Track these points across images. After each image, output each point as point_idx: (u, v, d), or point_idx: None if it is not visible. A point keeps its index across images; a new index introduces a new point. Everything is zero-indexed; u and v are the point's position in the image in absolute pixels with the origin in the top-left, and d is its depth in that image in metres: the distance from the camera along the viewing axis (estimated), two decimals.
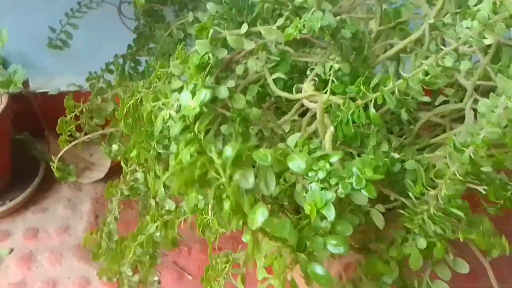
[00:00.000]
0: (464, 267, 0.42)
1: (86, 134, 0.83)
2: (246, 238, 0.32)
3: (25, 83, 1.02)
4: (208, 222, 0.48)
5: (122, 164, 0.62)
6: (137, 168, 0.56)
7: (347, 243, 0.33)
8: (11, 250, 0.91)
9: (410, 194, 0.38)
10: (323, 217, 0.33)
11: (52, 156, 1.02)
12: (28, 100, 1.03)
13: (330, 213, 0.28)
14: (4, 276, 0.86)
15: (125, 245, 0.57)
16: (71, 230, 0.95)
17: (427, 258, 0.44)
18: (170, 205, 0.52)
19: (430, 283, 0.42)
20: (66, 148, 0.77)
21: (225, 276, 0.49)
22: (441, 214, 0.36)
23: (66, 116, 0.75)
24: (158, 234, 0.51)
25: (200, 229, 0.49)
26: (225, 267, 0.50)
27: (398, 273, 0.43)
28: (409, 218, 0.38)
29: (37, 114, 1.06)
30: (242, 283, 0.45)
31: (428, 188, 0.36)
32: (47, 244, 0.92)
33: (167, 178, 0.37)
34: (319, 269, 0.32)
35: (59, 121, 0.74)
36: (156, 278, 0.75)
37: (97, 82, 0.75)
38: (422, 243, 0.42)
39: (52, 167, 1.01)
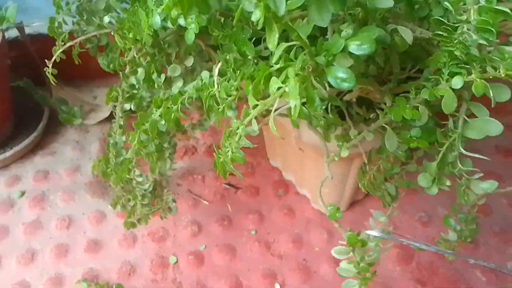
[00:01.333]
0: (504, 94, 0.36)
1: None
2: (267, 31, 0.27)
3: (21, 29, 0.98)
4: (214, 94, 0.43)
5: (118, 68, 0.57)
6: (136, 60, 0.52)
7: (373, 43, 0.28)
8: (23, 193, 0.89)
9: (447, 6, 0.32)
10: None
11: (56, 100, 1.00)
12: (25, 46, 0.99)
13: None
14: (17, 217, 0.85)
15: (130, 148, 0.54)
16: (82, 170, 0.93)
17: (461, 99, 0.39)
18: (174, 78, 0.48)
19: (467, 119, 0.37)
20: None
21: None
22: (482, 19, 0.30)
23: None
24: (162, 122, 0.47)
25: (206, 108, 0.44)
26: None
27: (427, 117, 0.38)
28: (447, 36, 0.33)
29: (35, 59, 1.02)
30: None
31: None
32: (58, 184, 0.90)
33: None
34: (341, 72, 0.27)
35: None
36: (171, 197, 0.72)
37: None
38: (458, 82, 0.37)
39: (57, 110, 0.99)
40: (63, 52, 0.61)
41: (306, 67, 0.27)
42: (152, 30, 0.45)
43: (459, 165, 0.41)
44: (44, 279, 0.76)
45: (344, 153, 0.55)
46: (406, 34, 0.33)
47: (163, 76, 0.51)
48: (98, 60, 0.63)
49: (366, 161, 0.57)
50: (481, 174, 0.42)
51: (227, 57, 0.38)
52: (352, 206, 0.84)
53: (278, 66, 0.29)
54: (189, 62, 0.50)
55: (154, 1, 0.38)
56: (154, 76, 0.54)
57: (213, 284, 0.75)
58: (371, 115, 0.51)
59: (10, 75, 0.98)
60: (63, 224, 0.84)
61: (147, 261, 0.78)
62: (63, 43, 0.57)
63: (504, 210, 0.83)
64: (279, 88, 0.28)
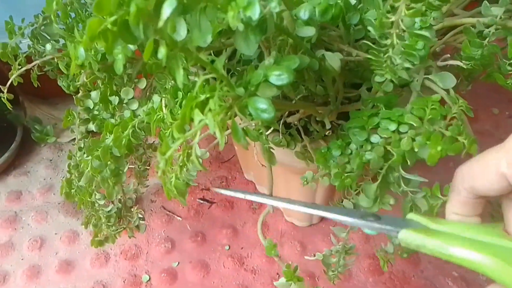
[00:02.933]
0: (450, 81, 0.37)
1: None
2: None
3: None
4: (163, 118, 0.43)
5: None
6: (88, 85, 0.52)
7: (292, 73, 0.28)
8: None
9: (371, 31, 0.33)
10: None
11: (29, 119, 0.99)
12: None
13: (255, 11, 0.23)
14: None
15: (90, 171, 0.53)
16: (55, 189, 0.92)
17: None
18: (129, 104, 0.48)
19: None
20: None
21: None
22: (405, 43, 0.31)
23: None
24: (111, 143, 0.47)
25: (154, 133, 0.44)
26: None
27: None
28: (376, 59, 0.33)
29: (8, 78, 1.02)
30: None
31: (387, 16, 0.31)
32: (31, 204, 0.90)
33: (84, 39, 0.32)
34: (261, 103, 0.28)
35: None
36: (140, 216, 0.72)
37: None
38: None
39: (31, 129, 0.98)
40: (37, 71, 0.61)
41: (226, 98, 0.27)
42: (99, 55, 0.45)
43: (403, 185, 0.41)
44: None
45: (325, 182, 0.54)
46: (333, 60, 0.34)
47: (116, 99, 0.51)
48: (58, 82, 0.63)
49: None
50: (424, 193, 0.42)
51: (165, 85, 0.38)
52: (325, 219, 0.84)
53: (203, 97, 0.29)
54: (142, 84, 0.50)
55: (80, 32, 0.38)
56: (112, 98, 0.54)
57: None
58: (327, 132, 0.52)
59: None
60: (35, 245, 0.83)
61: (120, 280, 0.77)
62: (19, 67, 0.57)
63: None
64: (200, 121, 0.28)
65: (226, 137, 0.99)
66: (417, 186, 0.42)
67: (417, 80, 0.37)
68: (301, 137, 0.57)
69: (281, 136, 0.50)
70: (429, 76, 0.37)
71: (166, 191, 0.42)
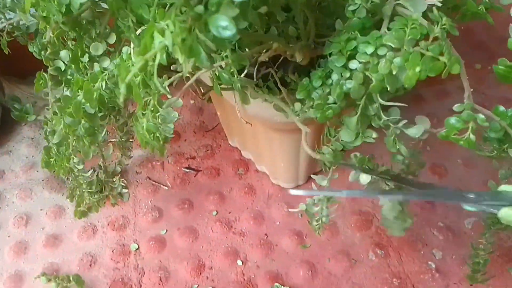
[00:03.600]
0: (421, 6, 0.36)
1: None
2: None
3: None
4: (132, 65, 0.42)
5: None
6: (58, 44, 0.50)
7: None
8: None
9: None
10: None
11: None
12: None
13: None
14: None
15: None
16: (38, 166, 0.91)
17: None
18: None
19: None
20: None
21: None
22: None
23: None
24: (82, 99, 0.46)
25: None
26: None
27: None
28: None
29: None
30: None
31: None
32: (15, 182, 0.88)
33: None
34: (222, 21, 0.27)
35: None
36: (123, 184, 0.71)
37: None
38: None
39: (11, 108, 0.96)
40: (12, 48, 0.59)
41: (186, 18, 0.26)
42: (63, 6, 0.43)
43: (383, 116, 0.40)
44: (4, 277, 0.75)
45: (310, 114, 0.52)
46: None
47: (86, 56, 0.50)
48: (28, 48, 0.61)
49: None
50: (405, 120, 0.42)
51: (128, 24, 0.37)
52: (311, 178, 0.85)
53: (163, 24, 0.28)
54: (111, 39, 0.49)
55: None
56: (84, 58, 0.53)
57: (175, 267, 0.75)
58: (303, 80, 0.51)
59: None
60: (20, 221, 0.82)
61: (108, 251, 0.77)
62: None
63: (460, 170, 0.84)
64: (160, 42, 0.27)
65: (209, 104, 0.98)
66: (397, 116, 0.41)
67: (387, 5, 0.36)
68: (279, 89, 0.56)
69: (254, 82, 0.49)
70: (400, 1, 0.36)
71: (139, 137, 0.41)
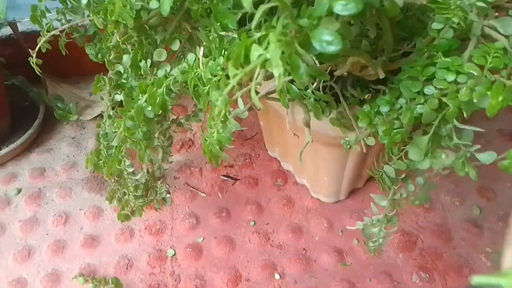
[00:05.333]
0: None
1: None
2: None
3: (14, 27, 0.98)
4: (200, 75, 0.42)
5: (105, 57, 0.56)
6: (121, 46, 0.51)
7: (359, 2, 0.26)
8: (19, 191, 0.88)
9: None
10: None
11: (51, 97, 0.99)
12: (18, 43, 0.98)
13: None
14: (14, 215, 0.84)
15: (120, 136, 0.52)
16: (78, 166, 0.92)
17: None
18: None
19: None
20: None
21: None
22: None
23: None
24: (149, 108, 0.46)
25: (193, 91, 0.43)
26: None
27: None
28: (443, 2, 0.31)
29: (27, 56, 1.02)
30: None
31: None
32: (55, 181, 0.89)
33: None
34: (326, 35, 0.26)
35: None
36: (165, 188, 0.71)
37: None
38: None
39: (53, 107, 0.98)
40: (56, 48, 0.60)
41: (288, 31, 0.26)
42: (134, 11, 0.43)
43: (455, 138, 0.39)
44: (41, 275, 0.75)
45: (371, 142, 0.51)
46: None
47: (149, 62, 0.50)
48: (86, 50, 0.62)
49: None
50: (479, 146, 0.40)
51: (210, 34, 0.36)
52: (353, 194, 0.83)
53: (259, 34, 0.27)
54: (175, 46, 0.49)
55: None
56: (142, 63, 0.53)
57: (212, 276, 0.74)
58: (366, 96, 0.50)
59: (4, 73, 0.97)
60: (59, 220, 0.83)
61: (145, 255, 0.77)
62: (48, 33, 0.56)
63: (509, 194, 0.80)
64: (260, 56, 0.26)
65: (249, 113, 0.97)
66: (470, 139, 0.40)
67: (476, 26, 0.34)
68: (337, 103, 0.55)
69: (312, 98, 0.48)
70: (490, 21, 0.35)
71: (206, 149, 0.40)
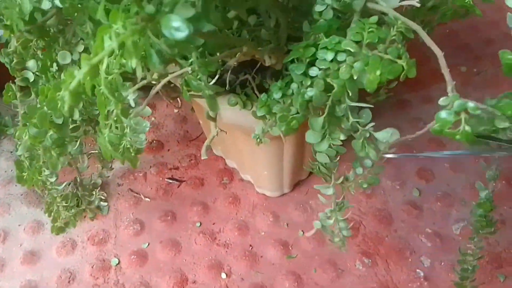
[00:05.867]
0: None
1: None
2: None
3: None
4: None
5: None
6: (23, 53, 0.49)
7: None
8: None
9: None
10: None
11: None
12: None
13: None
14: None
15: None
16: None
17: None
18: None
19: None
20: None
21: None
22: None
23: None
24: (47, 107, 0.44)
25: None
26: None
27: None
28: None
29: None
30: None
31: None
32: None
33: None
34: (174, 21, 0.25)
35: None
36: (102, 197, 0.69)
37: None
38: None
39: None
40: None
41: (136, 18, 0.25)
42: (25, 13, 0.42)
43: (351, 118, 0.39)
44: None
45: (275, 132, 0.51)
46: None
47: (55, 65, 0.48)
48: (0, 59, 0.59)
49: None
50: (373, 123, 0.40)
51: (87, 30, 0.35)
52: (297, 186, 0.83)
53: (115, 27, 0.26)
54: (81, 47, 0.47)
55: None
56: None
57: (157, 281, 0.72)
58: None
59: None
60: None
61: (87, 266, 0.75)
62: None
63: (447, 174, 0.82)
64: (109, 45, 0.25)
65: (193, 114, 0.96)
66: (369, 118, 0.40)
67: (358, 2, 0.35)
68: (257, 96, 0.55)
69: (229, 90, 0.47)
70: None
71: (102, 150, 0.39)
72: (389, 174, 0.83)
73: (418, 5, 0.42)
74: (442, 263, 0.71)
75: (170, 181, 0.86)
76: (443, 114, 0.38)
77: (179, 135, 0.94)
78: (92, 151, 0.83)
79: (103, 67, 0.25)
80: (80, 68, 0.47)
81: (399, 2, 0.42)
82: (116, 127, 0.37)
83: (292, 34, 0.42)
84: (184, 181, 0.86)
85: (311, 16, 0.40)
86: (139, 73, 0.26)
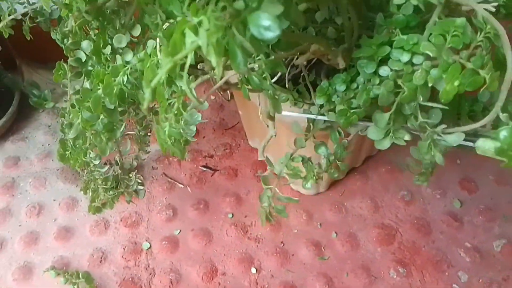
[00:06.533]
0: None
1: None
2: None
3: None
4: (158, 63, 0.39)
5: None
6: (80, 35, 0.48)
7: None
8: None
9: None
10: None
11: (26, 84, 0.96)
12: None
13: None
14: None
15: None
16: (53, 155, 0.89)
17: None
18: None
19: None
20: None
21: None
22: None
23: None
24: (102, 93, 0.43)
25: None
26: None
27: None
28: None
29: (6, 44, 0.98)
30: None
31: None
32: (29, 170, 0.87)
33: None
34: (264, 19, 0.23)
35: None
36: (139, 181, 0.69)
37: None
38: None
39: (29, 94, 0.95)
40: (35, 33, 0.57)
41: (223, 15, 0.23)
42: None
43: (420, 117, 0.36)
44: (13, 268, 0.74)
45: (331, 117, 0.48)
46: None
47: (109, 48, 0.47)
48: (51, 35, 0.59)
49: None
50: (444, 126, 0.37)
51: (157, 21, 0.34)
52: (333, 186, 0.81)
53: (196, 20, 0.25)
54: (136, 31, 0.46)
55: None
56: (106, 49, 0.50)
57: (187, 270, 0.72)
58: None
59: None
60: (33, 211, 0.81)
61: (119, 248, 0.75)
62: (9, 16, 0.53)
63: (491, 186, 0.79)
64: (193, 42, 0.24)
65: (230, 102, 0.95)
66: (438, 119, 0.37)
67: None
68: (310, 94, 0.53)
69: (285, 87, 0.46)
70: None
71: (160, 142, 0.38)
72: (429, 181, 0.80)
73: (493, 9, 0.39)
74: (480, 280, 0.69)
75: (204, 169, 0.86)
76: (503, 133, 0.34)
77: (214, 123, 0.93)
78: (129, 132, 0.83)
79: (186, 64, 0.24)
80: (135, 54, 0.46)
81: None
82: (176, 121, 0.35)
83: (361, 33, 0.40)
84: (218, 170, 0.85)
85: (386, 11, 0.37)
86: (219, 72, 0.24)
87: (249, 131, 0.86)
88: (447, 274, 0.69)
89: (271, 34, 0.23)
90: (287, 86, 0.55)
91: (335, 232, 0.75)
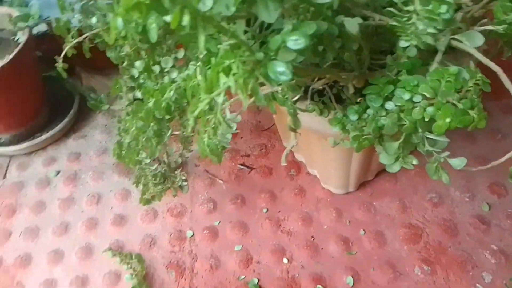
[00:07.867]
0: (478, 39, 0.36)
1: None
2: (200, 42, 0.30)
3: (49, 24, 1.06)
4: (198, 84, 0.46)
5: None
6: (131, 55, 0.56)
7: (308, 38, 0.30)
8: (58, 172, 0.98)
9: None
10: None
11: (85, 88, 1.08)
12: (54, 38, 1.07)
13: None
14: (53, 194, 0.94)
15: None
16: (109, 152, 1.00)
17: None
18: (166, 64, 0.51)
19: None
20: None
21: None
22: (427, 9, 0.31)
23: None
24: (152, 105, 0.51)
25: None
26: None
27: None
28: (400, 25, 0.34)
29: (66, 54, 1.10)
30: None
31: None
32: (89, 164, 0.99)
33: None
34: (279, 67, 0.29)
35: None
36: (183, 178, 0.77)
37: None
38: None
39: (87, 97, 1.06)
40: (88, 43, 0.67)
41: (247, 62, 0.29)
42: (139, 28, 0.48)
43: (427, 145, 0.41)
44: (76, 248, 0.85)
45: (347, 145, 0.55)
46: (351, 25, 0.34)
47: (157, 68, 0.55)
48: (107, 54, 0.68)
49: None
50: (448, 153, 0.42)
51: (197, 55, 0.40)
52: (363, 186, 0.85)
53: (227, 62, 0.31)
54: (180, 54, 0.53)
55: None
56: (155, 67, 0.58)
57: (225, 257, 0.80)
58: (359, 99, 0.52)
59: (41, 66, 1.06)
60: (93, 200, 0.92)
61: (166, 235, 0.84)
62: (72, 39, 0.62)
63: None
64: (224, 83, 0.30)
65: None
66: (443, 147, 0.42)
67: (442, 41, 0.36)
68: (334, 105, 0.58)
69: (308, 102, 0.51)
70: (456, 36, 0.36)
71: (200, 150, 0.45)
72: (459, 184, 0.82)
73: (500, 31, 0.42)
74: (504, 281, 0.71)
75: (242, 167, 0.93)
76: None
77: (252, 125, 1.00)
78: (175, 132, 0.92)
79: (220, 99, 0.30)
80: (180, 72, 0.53)
81: (485, 26, 0.43)
82: (214, 134, 0.42)
83: (374, 58, 0.44)
84: (254, 168, 0.92)
85: (394, 48, 0.42)
86: (246, 104, 0.31)
87: (283, 134, 0.92)
88: (471, 274, 0.72)
89: (285, 77, 0.29)
90: (308, 97, 0.61)
91: (363, 230, 0.80)
